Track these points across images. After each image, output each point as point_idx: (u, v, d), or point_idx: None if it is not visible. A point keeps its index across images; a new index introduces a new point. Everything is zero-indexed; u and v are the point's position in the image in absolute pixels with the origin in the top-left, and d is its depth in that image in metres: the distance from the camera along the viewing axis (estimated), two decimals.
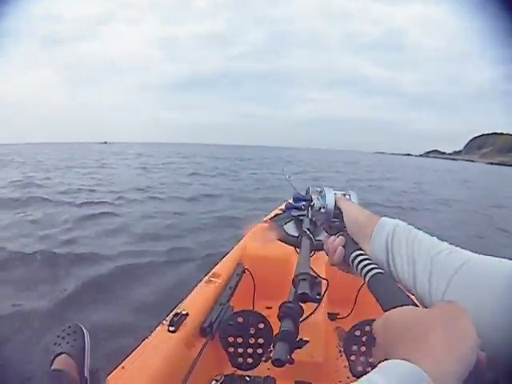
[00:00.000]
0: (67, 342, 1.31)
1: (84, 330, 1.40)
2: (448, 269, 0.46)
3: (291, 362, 0.93)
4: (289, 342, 0.92)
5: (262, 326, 1.18)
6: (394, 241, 0.57)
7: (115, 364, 1.00)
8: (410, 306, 0.41)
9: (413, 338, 0.35)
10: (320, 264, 1.58)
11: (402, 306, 0.42)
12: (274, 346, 0.99)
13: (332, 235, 0.74)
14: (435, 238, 0.55)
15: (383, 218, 0.63)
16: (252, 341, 1.27)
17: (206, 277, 1.57)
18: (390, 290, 0.49)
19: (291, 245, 1.80)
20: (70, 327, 1.39)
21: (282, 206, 2.69)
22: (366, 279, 0.56)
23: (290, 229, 1.96)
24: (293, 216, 2.06)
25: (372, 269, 0.57)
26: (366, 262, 0.60)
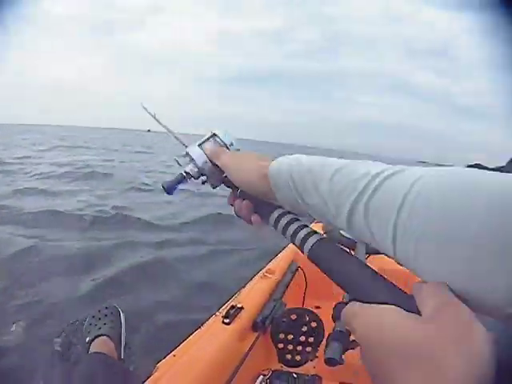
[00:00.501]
0: (105, 324, 1.32)
1: (120, 312, 1.42)
2: (393, 194, 0.33)
3: (343, 362, 0.93)
4: (343, 342, 0.92)
5: (314, 324, 1.19)
6: (300, 190, 0.44)
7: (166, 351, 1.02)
8: (392, 308, 0.30)
9: (415, 368, 0.25)
10: (374, 267, 1.54)
11: (378, 302, 0.33)
12: (326, 345, 1.00)
13: (234, 194, 0.61)
14: (359, 160, 0.42)
15: (272, 166, 0.49)
16: (302, 339, 1.27)
17: (261, 272, 1.60)
18: (345, 265, 0.39)
19: (345, 246, 1.78)
20: (106, 308, 1.40)
21: None
22: (305, 250, 0.45)
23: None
24: None
25: (308, 234, 0.45)
26: (295, 225, 0.48)
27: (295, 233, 0.47)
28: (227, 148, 0.65)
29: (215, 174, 0.63)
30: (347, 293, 0.38)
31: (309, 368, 1.27)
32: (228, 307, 1.23)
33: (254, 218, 0.56)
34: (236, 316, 1.20)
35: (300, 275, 1.68)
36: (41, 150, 12.92)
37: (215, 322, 1.17)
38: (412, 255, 0.32)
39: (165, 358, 1.00)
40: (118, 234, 3.93)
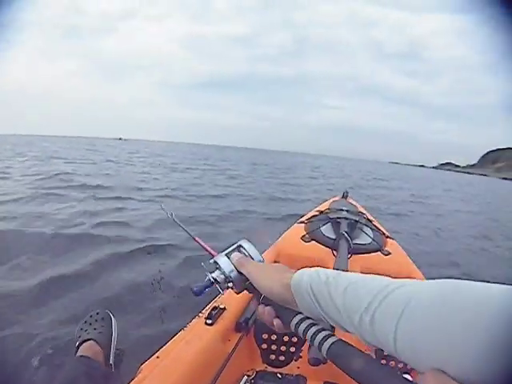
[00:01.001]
0: (95, 329, 1.34)
1: (112, 318, 1.43)
2: (393, 309, 0.41)
3: (326, 361, 0.94)
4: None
5: None
6: (319, 300, 0.53)
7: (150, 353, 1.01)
8: None
9: None
10: (357, 267, 1.56)
11: None
12: (310, 345, 1.00)
13: (259, 302, 0.67)
14: (367, 276, 0.51)
15: (294, 278, 0.58)
16: (286, 339, 1.27)
17: None
18: (359, 363, 0.46)
19: (328, 247, 1.79)
20: (98, 313, 1.43)
21: (319, 208, 2.68)
22: (323, 350, 0.52)
23: (327, 231, 1.95)
24: (330, 218, 2.04)
25: (325, 337, 0.52)
26: (313, 328, 0.55)
27: (314, 335, 0.54)
28: (252, 258, 0.74)
29: (240, 281, 0.71)
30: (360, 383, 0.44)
31: (293, 368, 1.28)
32: (210, 308, 1.23)
33: (276, 322, 0.62)
34: (219, 317, 1.19)
35: None
36: None
37: (198, 323, 1.17)
38: (408, 354, 0.39)
39: (148, 359, 0.99)
40: None
